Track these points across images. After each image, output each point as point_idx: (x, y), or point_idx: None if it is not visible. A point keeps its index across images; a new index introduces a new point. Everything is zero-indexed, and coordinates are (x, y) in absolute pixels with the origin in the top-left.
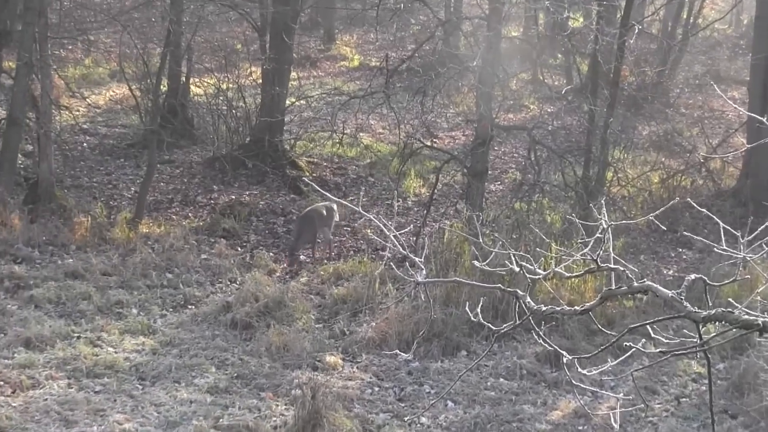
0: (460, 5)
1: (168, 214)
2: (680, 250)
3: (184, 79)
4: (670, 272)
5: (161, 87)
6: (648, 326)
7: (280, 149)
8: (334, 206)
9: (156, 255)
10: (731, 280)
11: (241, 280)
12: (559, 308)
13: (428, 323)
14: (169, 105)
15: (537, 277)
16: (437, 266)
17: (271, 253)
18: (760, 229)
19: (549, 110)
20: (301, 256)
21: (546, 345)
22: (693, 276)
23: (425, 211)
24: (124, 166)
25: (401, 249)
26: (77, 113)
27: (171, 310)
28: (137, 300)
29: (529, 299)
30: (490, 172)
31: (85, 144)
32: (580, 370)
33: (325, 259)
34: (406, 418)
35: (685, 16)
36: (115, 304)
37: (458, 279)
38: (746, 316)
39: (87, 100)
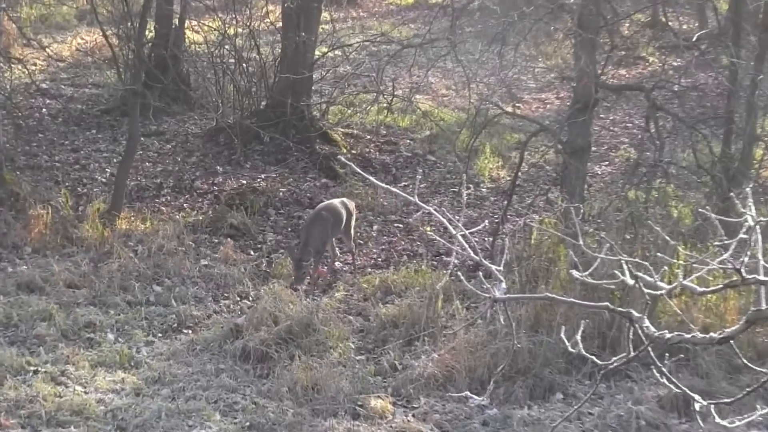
0: None
1: (156, 205)
2: None
3: (176, 22)
4: None
5: (146, 33)
6: None
7: (308, 117)
8: (351, 204)
9: (140, 260)
10: None
11: (254, 295)
12: (689, 335)
13: (510, 355)
14: (158, 57)
15: (659, 292)
16: (522, 277)
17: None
18: None
19: (674, 64)
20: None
21: (672, 386)
22: None
23: (505, 202)
24: (96, 140)
25: (472, 254)
26: (33, 68)
27: (160, 335)
28: (114, 322)
29: (648, 323)
30: (594, 148)
31: (44, 110)
32: (718, 420)
33: (337, 273)
34: None
35: None
36: (84, 327)
37: (551, 295)
38: None
39: (47, 50)
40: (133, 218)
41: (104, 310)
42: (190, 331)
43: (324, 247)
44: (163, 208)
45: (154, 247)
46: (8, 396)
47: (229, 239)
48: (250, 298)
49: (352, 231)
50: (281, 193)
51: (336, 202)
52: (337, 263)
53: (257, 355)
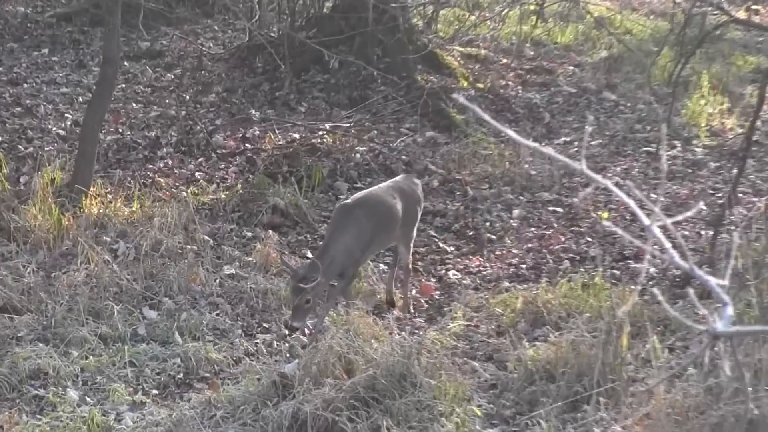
0: None
1: (149, 175)
2: None
3: None
4: None
5: None
6: None
7: (403, 28)
8: (414, 187)
9: (122, 267)
10: None
11: (313, 326)
12: None
13: (742, 427)
14: None
15: None
16: (764, 298)
17: (382, 265)
18: None
19: None
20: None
21: None
22: None
23: (735, 171)
24: (49, 65)
25: (678, 258)
26: None
27: (155, 392)
28: (79, 370)
29: None
30: None
31: None
32: None
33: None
34: None
35: None
36: (28, 379)
37: None
38: None
39: None
40: (110, 196)
41: (62, 349)
42: (206, 387)
43: (356, 266)
44: (161, 180)
45: (146, 246)
46: None
47: (270, 231)
48: (306, 331)
49: (414, 233)
50: (358, 155)
51: (387, 187)
52: (451, 274)
53: (318, 426)
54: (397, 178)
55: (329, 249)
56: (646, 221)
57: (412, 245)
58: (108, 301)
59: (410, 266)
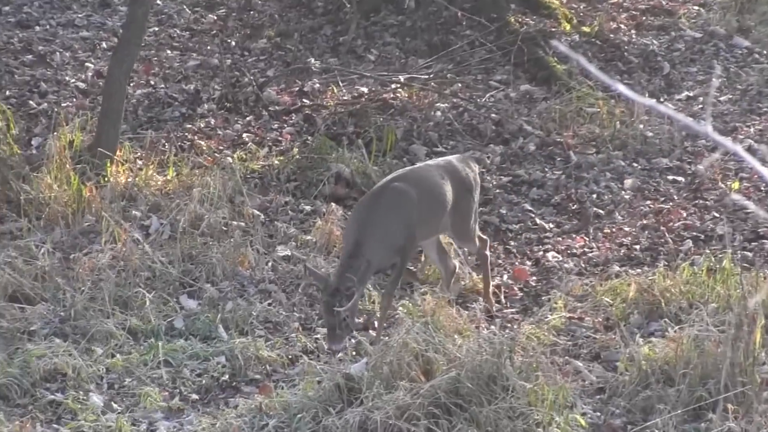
0: None
1: (187, 137)
2: None
3: None
4: None
5: None
6: None
7: None
8: (468, 167)
9: (155, 248)
10: None
11: (387, 317)
12: None
13: None
14: None
15: None
16: None
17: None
18: None
19: None
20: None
21: None
22: None
23: None
24: (67, 5)
25: None
26: None
27: (195, 397)
28: (104, 370)
29: None
30: None
31: None
32: None
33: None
34: None
35: None
36: (45, 379)
37: None
38: None
39: None
40: (140, 162)
41: (83, 346)
42: (257, 391)
43: (404, 258)
44: (202, 143)
45: (184, 222)
46: None
47: (333, 204)
48: (377, 324)
49: (473, 223)
50: (439, 114)
51: (436, 165)
52: (551, 257)
53: None
54: (449, 157)
55: (362, 248)
56: None
57: (474, 231)
58: (138, 288)
59: (486, 251)
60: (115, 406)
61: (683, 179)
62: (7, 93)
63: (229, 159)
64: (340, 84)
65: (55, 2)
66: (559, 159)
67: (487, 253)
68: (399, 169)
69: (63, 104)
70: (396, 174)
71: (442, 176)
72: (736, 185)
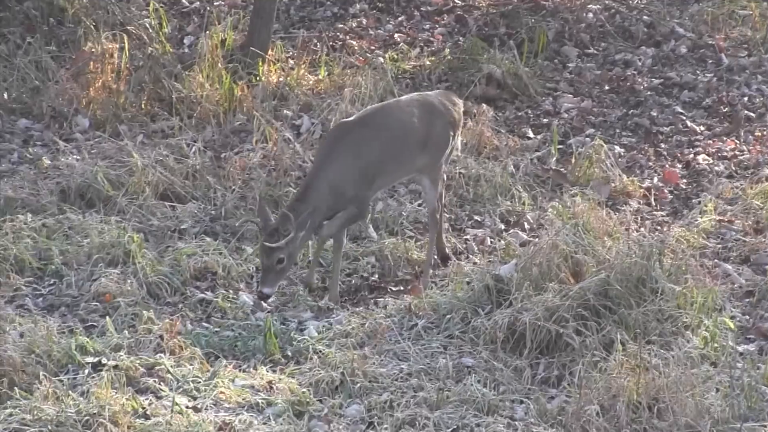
0: None
1: (337, 35)
2: None
3: None
4: None
5: None
6: None
7: None
8: (448, 102)
9: (304, 146)
10: None
11: (534, 219)
12: None
13: None
14: None
15: None
16: None
17: None
18: None
19: None
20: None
21: None
22: None
23: None
24: None
25: None
26: None
27: (346, 297)
28: (256, 268)
29: None
30: None
31: None
32: None
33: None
34: None
35: None
36: (195, 277)
37: None
38: None
39: None
40: (292, 62)
41: (233, 245)
42: (406, 292)
43: (360, 205)
44: (354, 43)
45: (335, 121)
46: None
47: (484, 105)
48: (527, 225)
49: (444, 161)
50: (591, 15)
51: (408, 100)
52: (701, 159)
53: (539, 339)
54: (427, 92)
55: (311, 189)
56: None
57: (440, 181)
58: (289, 187)
59: (437, 212)
60: (264, 305)
61: None
62: None
63: (381, 59)
64: None
65: None
66: (710, 61)
67: (440, 207)
68: (368, 107)
69: (215, 3)
70: (360, 114)
71: (413, 112)
72: None
